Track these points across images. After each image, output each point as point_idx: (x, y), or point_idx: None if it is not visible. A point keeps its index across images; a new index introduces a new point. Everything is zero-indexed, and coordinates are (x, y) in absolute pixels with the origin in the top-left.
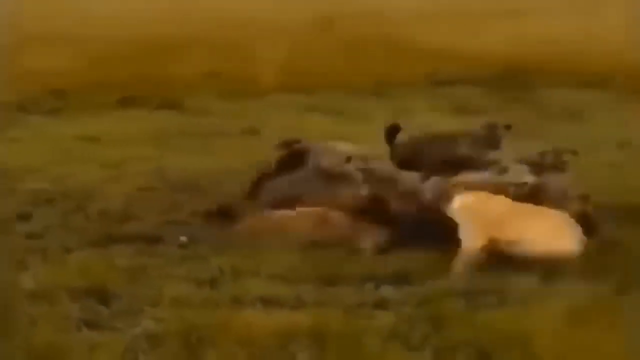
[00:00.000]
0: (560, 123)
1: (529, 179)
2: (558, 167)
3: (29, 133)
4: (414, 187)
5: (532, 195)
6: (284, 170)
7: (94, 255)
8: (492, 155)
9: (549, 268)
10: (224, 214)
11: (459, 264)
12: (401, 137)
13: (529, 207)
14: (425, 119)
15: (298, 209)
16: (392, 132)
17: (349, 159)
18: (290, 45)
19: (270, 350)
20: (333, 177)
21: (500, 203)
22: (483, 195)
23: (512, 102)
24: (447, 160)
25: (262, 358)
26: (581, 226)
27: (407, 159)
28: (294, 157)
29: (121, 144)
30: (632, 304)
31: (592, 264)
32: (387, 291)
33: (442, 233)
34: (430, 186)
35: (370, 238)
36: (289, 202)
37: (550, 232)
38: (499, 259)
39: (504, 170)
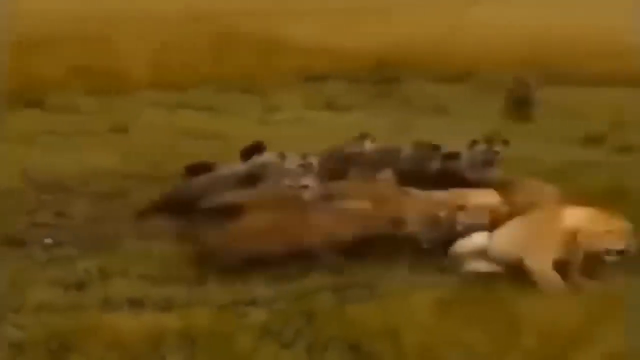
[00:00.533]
0: (427, 117)
1: None
2: (488, 160)
3: None
4: None
5: None
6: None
7: None
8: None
9: None
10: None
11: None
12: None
13: None
14: (296, 114)
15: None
16: (252, 151)
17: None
18: (159, 41)
19: (139, 353)
20: None
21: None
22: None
23: (382, 97)
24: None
25: None
26: None
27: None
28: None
29: None
30: (497, 296)
31: None
32: (259, 289)
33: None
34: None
35: None
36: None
37: None
38: None
39: None
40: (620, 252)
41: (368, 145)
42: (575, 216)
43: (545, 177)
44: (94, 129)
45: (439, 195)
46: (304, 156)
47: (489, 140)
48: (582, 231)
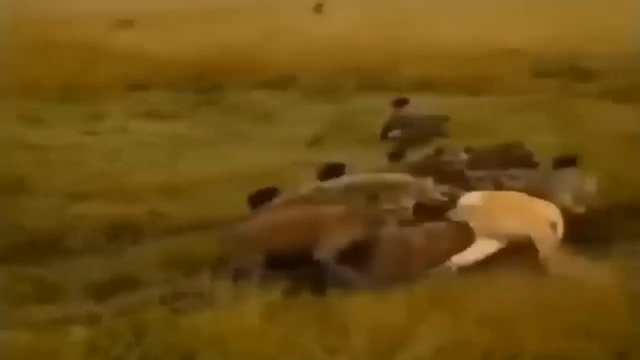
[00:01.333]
0: (253, 123)
1: None
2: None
3: None
4: None
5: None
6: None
7: None
8: None
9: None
10: None
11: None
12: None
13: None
14: (120, 124)
15: None
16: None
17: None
18: None
19: None
20: None
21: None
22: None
23: (206, 105)
24: None
25: None
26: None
27: None
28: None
29: None
30: (325, 299)
31: None
32: (85, 305)
33: None
34: None
35: None
36: None
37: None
38: None
39: None
40: None
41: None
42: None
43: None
44: None
45: None
46: None
47: None
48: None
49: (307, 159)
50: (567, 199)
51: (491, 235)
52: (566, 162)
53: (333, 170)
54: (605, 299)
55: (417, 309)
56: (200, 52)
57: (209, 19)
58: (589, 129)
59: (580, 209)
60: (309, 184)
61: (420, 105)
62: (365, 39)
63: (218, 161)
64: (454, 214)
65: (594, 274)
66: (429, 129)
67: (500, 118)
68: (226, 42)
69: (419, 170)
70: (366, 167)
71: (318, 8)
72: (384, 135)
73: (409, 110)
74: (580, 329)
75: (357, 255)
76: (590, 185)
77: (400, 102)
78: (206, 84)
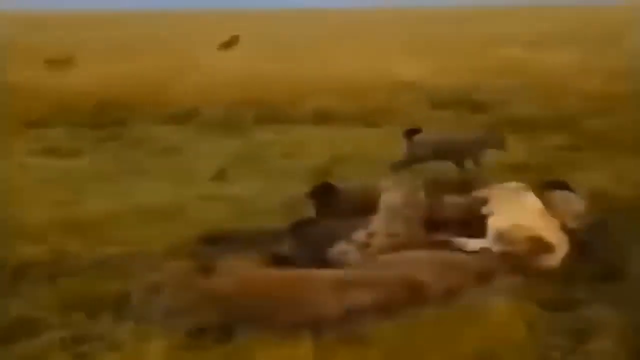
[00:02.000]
0: (158, 158)
1: None
2: None
3: None
4: None
5: None
6: None
7: None
8: None
9: None
10: None
11: None
12: None
13: None
14: (19, 162)
15: None
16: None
17: None
18: None
19: None
20: None
21: None
22: None
23: (108, 140)
24: None
25: None
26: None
27: None
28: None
29: None
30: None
31: None
32: None
33: None
34: None
35: None
36: None
37: None
38: None
39: None
40: None
41: None
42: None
43: (273, 213)
44: None
45: None
46: None
47: None
48: None
49: (211, 192)
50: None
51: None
52: (557, 184)
53: (325, 191)
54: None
55: (325, 352)
56: (101, 88)
57: (111, 54)
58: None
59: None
60: None
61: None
62: (266, 73)
63: (121, 196)
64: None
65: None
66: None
67: (399, 149)
68: (128, 78)
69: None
70: (272, 200)
71: (228, 44)
72: (402, 166)
73: (426, 136)
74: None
75: None
76: (579, 205)
77: (413, 132)
78: (107, 119)
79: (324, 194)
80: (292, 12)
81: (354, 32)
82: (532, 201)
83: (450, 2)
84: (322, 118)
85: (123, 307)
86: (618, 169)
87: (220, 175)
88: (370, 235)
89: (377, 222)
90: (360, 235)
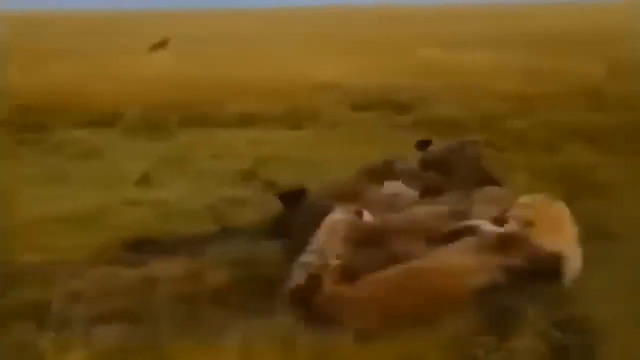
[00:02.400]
0: (81, 162)
1: None
2: None
3: None
4: None
5: None
6: None
7: None
8: None
9: None
10: None
11: None
12: None
13: None
14: None
15: None
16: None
17: None
18: None
19: None
20: None
21: None
22: None
23: (28, 144)
24: None
25: None
26: None
27: None
28: None
29: None
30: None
31: None
32: None
33: None
34: None
35: None
36: None
37: None
38: None
39: None
40: None
41: None
42: None
43: (199, 217)
44: None
45: None
46: None
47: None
48: None
49: (136, 197)
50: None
51: None
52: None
53: (294, 196)
54: None
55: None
56: (22, 91)
57: (32, 57)
58: None
59: None
60: None
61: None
62: (192, 75)
63: (42, 202)
64: None
65: None
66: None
67: (323, 151)
68: (49, 81)
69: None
70: (198, 203)
71: (158, 46)
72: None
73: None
74: None
75: None
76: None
77: (425, 144)
78: (28, 123)
79: (294, 199)
80: (218, 13)
81: (278, 32)
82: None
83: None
84: (247, 120)
85: (43, 316)
86: (536, 169)
87: (144, 179)
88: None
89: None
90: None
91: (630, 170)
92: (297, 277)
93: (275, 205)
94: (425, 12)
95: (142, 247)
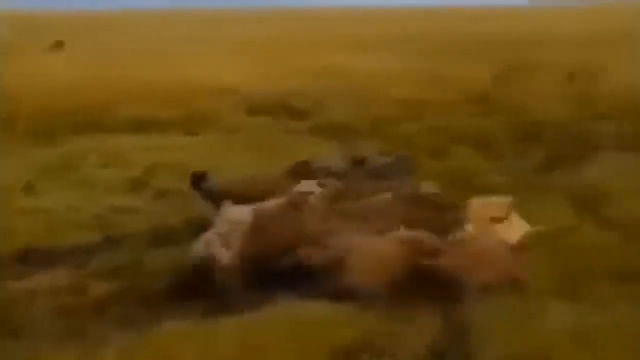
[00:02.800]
0: None
1: None
2: None
3: None
4: None
5: None
6: None
7: None
8: None
9: None
10: None
11: None
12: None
13: None
14: None
15: None
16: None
17: None
18: None
19: None
20: None
21: None
22: None
23: None
24: None
25: None
26: None
27: None
28: None
29: None
30: None
31: None
32: None
33: None
34: None
35: None
36: None
37: None
38: None
39: None
40: None
41: None
42: None
43: (86, 227)
44: None
45: None
46: None
47: None
48: None
49: (21, 206)
50: None
51: None
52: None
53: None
54: None
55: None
56: None
57: None
58: None
59: None
60: None
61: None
62: (85, 80)
63: None
64: None
65: None
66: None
67: (219, 156)
68: None
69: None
70: (85, 212)
71: (52, 49)
72: None
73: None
74: None
75: None
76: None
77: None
78: None
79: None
80: (117, 14)
81: (179, 35)
82: None
83: (272, 2)
84: (140, 126)
85: None
86: (425, 173)
87: (28, 188)
88: None
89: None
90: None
91: (515, 173)
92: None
93: (165, 214)
94: (330, 15)
95: (28, 258)
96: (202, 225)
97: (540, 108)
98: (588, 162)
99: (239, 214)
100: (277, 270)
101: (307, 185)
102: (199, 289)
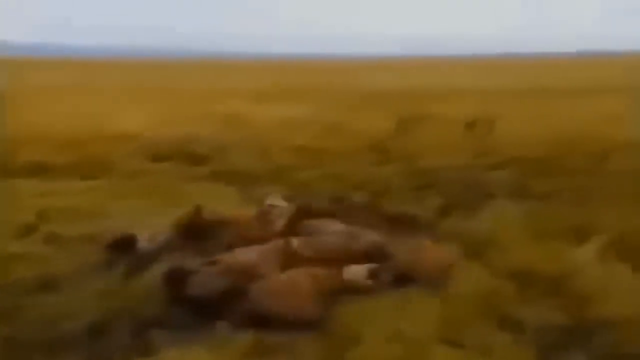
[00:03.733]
0: None
1: None
2: None
3: None
4: None
5: None
6: None
7: None
8: None
9: None
10: None
11: None
12: None
13: None
14: None
15: None
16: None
17: None
18: None
19: None
20: None
21: None
22: None
23: None
24: None
25: None
26: None
27: None
28: None
29: None
30: None
31: None
32: None
33: None
34: None
35: None
36: None
37: None
38: None
39: None
40: None
41: None
42: None
43: None
44: None
45: None
46: None
47: None
48: None
49: None
50: None
51: None
52: None
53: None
54: None
55: None
56: None
57: None
58: None
59: None
60: None
61: None
62: None
63: None
64: None
65: None
66: None
67: (116, 202)
68: None
69: None
70: None
71: None
72: None
73: None
74: None
75: None
76: None
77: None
78: None
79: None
80: (17, 61)
81: (82, 82)
82: None
83: (180, 52)
84: (35, 170)
85: None
86: None
87: None
88: None
89: None
90: None
91: None
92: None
93: (54, 259)
94: (232, 64)
95: None
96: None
97: (438, 156)
98: (481, 210)
99: None
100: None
101: None
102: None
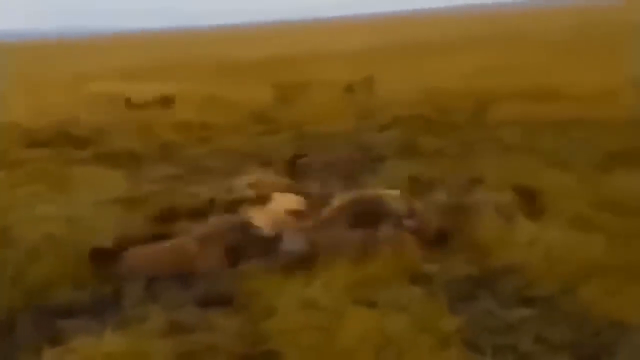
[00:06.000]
0: None
1: None
2: None
3: None
4: None
5: None
6: None
7: None
8: None
9: None
10: None
11: None
12: None
13: None
14: None
15: None
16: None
17: None
18: None
19: None
20: None
21: None
22: None
23: None
24: None
25: None
26: None
27: None
28: None
29: None
30: None
31: None
32: None
33: None
34: None
35: None
36: None
37: None
38: None
39: None
40: None
41: None
42: None
43: None
44: None
45: None
46: None
47: None
48: None
49: None
50: None
51: None
52: None
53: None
54: None
55: None
56: None
57: None
58: (86, 196)
59: None
60: None
61: None
62: None
63: None
64: None
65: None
66: None
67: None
68: None
69: None
70: None
71: None
72: None
73: None
74: None
75: None
76: None
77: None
78: None
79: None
80: None
81: None
82: None
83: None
84: None
85: None
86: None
87: None
88: None
89: None
90: None
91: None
92: None
93: None
94: (101, 43)
95: None
96: None
97: (324, 122)
98: (373, 173)
99: None
100: None
101: None
102: None
